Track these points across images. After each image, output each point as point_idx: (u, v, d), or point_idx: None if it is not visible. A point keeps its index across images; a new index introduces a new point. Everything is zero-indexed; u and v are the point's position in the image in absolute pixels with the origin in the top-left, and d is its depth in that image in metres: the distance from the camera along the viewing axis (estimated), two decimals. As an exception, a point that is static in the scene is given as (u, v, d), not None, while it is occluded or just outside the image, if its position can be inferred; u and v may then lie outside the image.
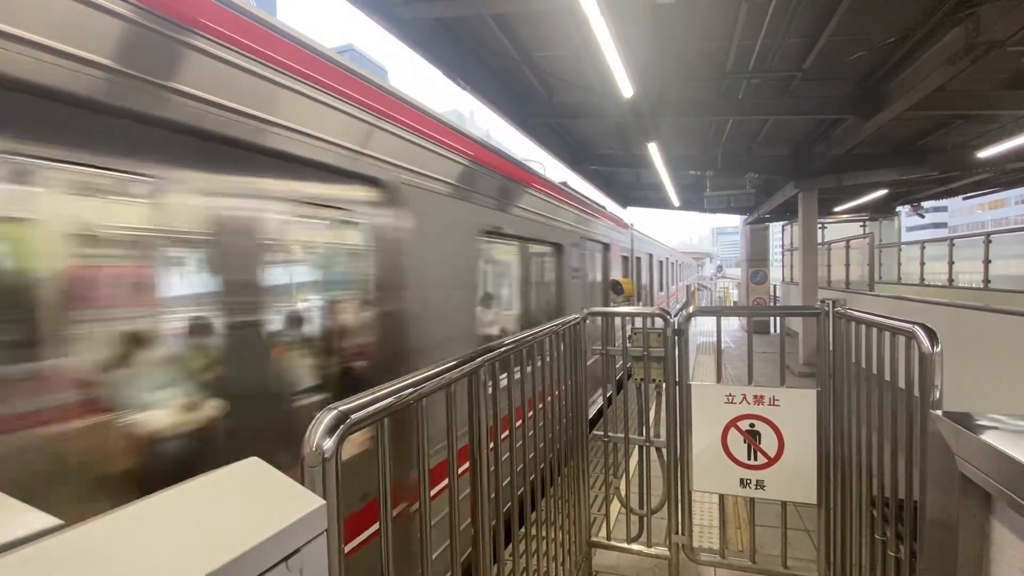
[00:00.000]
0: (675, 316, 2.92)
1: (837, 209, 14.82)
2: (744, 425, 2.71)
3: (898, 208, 16.36)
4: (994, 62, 4.96)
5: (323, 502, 0.70)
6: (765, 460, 2.68)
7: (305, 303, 2.24)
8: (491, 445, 1.69)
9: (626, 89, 4.91)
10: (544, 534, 2.35)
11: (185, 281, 1.76)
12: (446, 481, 1.46)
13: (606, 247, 7.46)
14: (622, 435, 3.09)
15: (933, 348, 1.71)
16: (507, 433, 2.00)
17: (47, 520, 0.60)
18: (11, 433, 1.27)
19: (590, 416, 3.67)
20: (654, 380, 3.04)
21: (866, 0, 4.48)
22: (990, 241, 10.08)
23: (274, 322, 2.01)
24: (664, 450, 2.94)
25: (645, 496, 3.06)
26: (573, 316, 2.83)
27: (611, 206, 10.39)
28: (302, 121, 2.01)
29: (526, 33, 5.42)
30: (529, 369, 2.18)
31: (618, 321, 3.21)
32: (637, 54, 4.56)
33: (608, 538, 3.11)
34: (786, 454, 2.65)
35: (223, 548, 0.57)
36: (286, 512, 0.65)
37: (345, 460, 0.93)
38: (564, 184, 6.16)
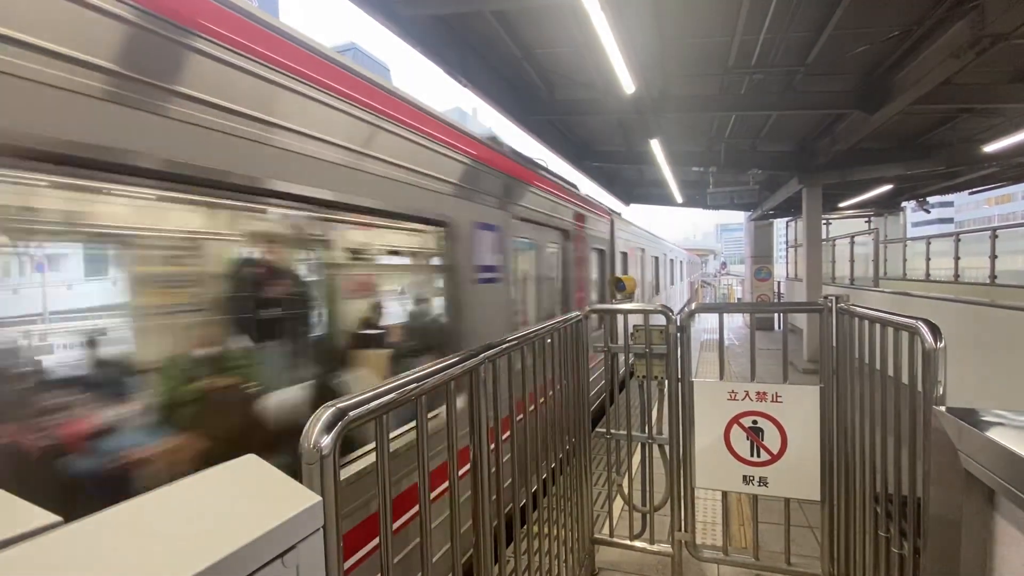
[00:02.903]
0: (678, 313, 2.91)
1: (841, 205, 14.73)
2: (747, 422, 2.70)
3: (903, 203, 16.24)
4: (1000, 55, 4.91)
5: (319, 499, 0.70)
6: (768, 457, 2.68)
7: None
8: (492, 443, 1.69)
9: (628, 85, 4.89)
10: (547, 531, 2.35)
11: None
12: (447, 478, 1.46)
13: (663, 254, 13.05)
14: (625, 432, 3.09)
15: (936, 344, 1.70)
16: (509, 430, 2.00)
17: (46, 516, 0.60)
18: None
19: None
20: (656, 377, 3.03)
21: (869, -6, 4.45)
22: (996, 236, 10.00)
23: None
24: (667, 447, 2.94)
25: (648, 493, 3.06)
26: (575, 313, 2.83)
27: (614, 204, 10.88)
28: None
29: (527, 29, 5.40)
30: (531, 365, 2.18)
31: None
32: (639, 50, 4.54)
33: (611, 535, 3.11)
34: (789, 451, 2.64)
35: (219, 544, 0.57)
36: (282, 509, 0.66)
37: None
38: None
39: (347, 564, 1.90)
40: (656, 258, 12.34)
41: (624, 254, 8.69)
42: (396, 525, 2.19)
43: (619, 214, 8.71)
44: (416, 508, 1.27)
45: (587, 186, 11.98)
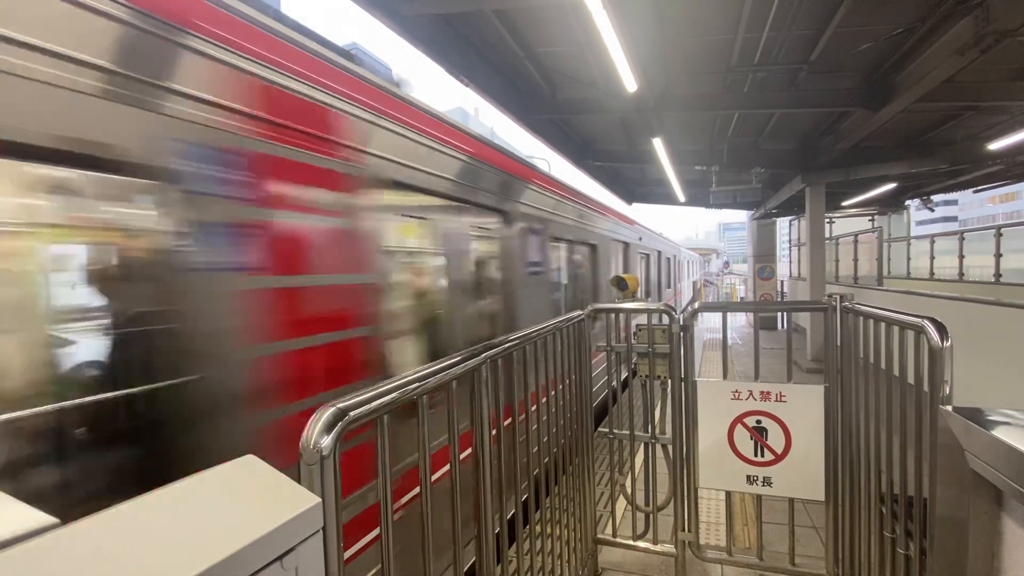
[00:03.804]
0: (681, 312, 2.90)
1: (845, 203, 14.67)
2: (751, 421, 2.68)
3: (907, 202, 16.17)
4: (1004, 53, 4.87)
5: (318, 500, 0.69)
6: (772, 457, 2.66)
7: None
8: (493, 443, 1.68)
9: (630, 84, 4.88)
10: (550, 531, 2.34)
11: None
12: (448, 479, 1.45)
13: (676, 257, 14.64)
14: (627, 432, 3.08)
15: (943, 343, 1.68)
16: (512, 430, 1.99)
17: (43, 518, 0.60)
18: None
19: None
20: (659, 377, 3.02)
21: (873, -9, 4.43)
22: (1001, 235, 9.95)
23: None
24: (670, 447, 2.93)
25: (651, 493, 3.05)
26: (577, 312, 2.82)
27: (617, 204, 10.96)
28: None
29: (528, 29, 5.39)
30: (533, 366, 2.17)
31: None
32: (640, 49, 4.53)
33: (614, 535, 3.10)
34: (793, 451, 2.62)
35: (216, 546, 0.56)
36: (281, 510, 0.65)
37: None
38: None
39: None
40: (689, 261, 18.48)
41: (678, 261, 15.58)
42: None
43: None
44: (414, 507, 1.26)
45: (589, 186, 11.96)
